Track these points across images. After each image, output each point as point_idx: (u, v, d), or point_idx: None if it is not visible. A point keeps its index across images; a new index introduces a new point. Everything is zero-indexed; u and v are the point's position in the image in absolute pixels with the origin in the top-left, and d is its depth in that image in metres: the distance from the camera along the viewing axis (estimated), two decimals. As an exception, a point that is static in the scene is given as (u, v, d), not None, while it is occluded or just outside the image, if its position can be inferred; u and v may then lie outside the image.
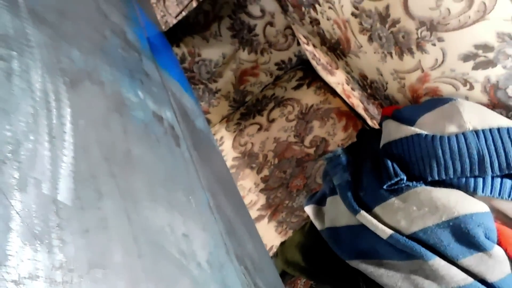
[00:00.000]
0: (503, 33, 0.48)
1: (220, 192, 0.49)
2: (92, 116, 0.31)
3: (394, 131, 0.56)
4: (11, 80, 0.27)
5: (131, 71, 0.44)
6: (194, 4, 2.66)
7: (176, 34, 1.16)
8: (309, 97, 1.19)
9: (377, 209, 0.53)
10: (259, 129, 1.21)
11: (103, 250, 0.23)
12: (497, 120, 0.50)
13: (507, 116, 0.53)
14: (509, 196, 0.46)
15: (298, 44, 1.21)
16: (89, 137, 0.29)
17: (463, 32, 0.50)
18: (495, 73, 0.51)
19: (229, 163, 1.20)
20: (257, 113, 1.25)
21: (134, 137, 0.34)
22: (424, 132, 0.53)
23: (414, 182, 0.51)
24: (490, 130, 0.48)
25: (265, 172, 1.12)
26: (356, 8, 0.62)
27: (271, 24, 1.15)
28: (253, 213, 1.06)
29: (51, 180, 0.23)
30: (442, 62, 0.54)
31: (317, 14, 0.78)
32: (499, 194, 0.47)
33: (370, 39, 0.63)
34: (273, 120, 1.20)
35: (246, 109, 1.29)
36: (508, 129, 0.48)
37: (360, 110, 1.04)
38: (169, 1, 2.98)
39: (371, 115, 0.98)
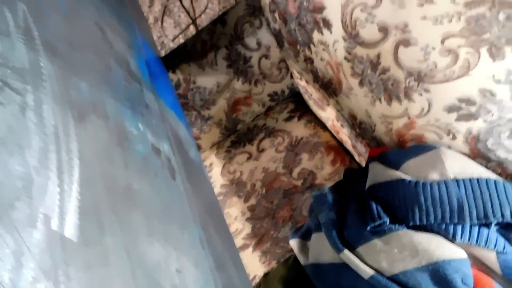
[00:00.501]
0: (485, 89, 0.51)
1: (210, 224, 0.50)
2: (97, 151, 0.32)
3: (380, 174, 0.59)
4: (26, 115, 0.28)
5: (132, 103, 0.46)
6: (192, 28, 2.71)
7: (173, 61, 1.18)
8: (299, 129, 1.22)
9: (360, 249, 0.55)
10: (249, 158, 1.23)
11: (104, 287, 0.24)
12: (477, 171, 0.53)
13: (487, 167, 0.56)
14: (485, 244, 0.49)
15: (291, 77, 1.25)
16: (94, 172, 0.30)
17: (448, 86, 0.54)
18: (477, 125, 0.54)
19: (217, 190, 1.21)
20: (248, 142, 1.27)
21: (134, 171, 0.36)
22: (408, 177, 0.55)
23: (397, 225, 0.53)
24: (470, 180, 0.51)
25: (252, 201, 1.14)
26: (349, 53, 0.65)
27: (266, 56, 1.18)
28: (238, 241, 1.07)
29: (59, 216, 0.24)
30: (428, 111, 0.57)
31: (311, 53, 0.82)
32: (477, 241, 0.49)
33: (361, 83, 0.66)
34: (263, 150, 1.22)
35: (237, 137, 1.31)
36: (487, 180, 0.50)
37: (348, 146, 1.07)
38: (167, 22, 3.03)
39: (358, 152, 1.01)
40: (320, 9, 0.69)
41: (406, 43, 0.56)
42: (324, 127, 1.20)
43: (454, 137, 0.57)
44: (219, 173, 1.25)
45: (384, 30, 0.58)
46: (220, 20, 1.17)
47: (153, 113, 0.52)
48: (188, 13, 2.62)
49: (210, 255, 0.40)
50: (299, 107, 1.28)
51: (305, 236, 0.71)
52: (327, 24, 0.68)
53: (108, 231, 0.27)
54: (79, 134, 0.32)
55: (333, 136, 1.16)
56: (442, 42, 0.53)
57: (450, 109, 0.55)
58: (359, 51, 0.62)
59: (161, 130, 0.49)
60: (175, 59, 1.18)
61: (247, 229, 1.09)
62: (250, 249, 1.06)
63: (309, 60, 0.85)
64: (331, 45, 0.69)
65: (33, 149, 0.26)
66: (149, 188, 0.36)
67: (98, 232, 0.26)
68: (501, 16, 0.50)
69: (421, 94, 0.56)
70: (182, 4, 2.53)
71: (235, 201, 1.17)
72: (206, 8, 2.76)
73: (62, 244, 0.23)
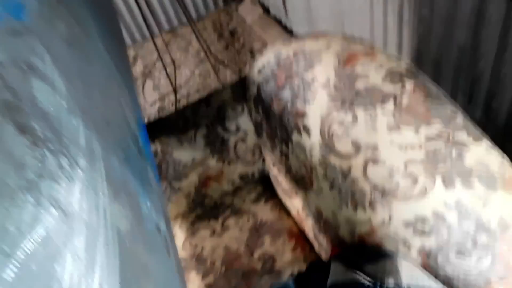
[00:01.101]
0: (438, 212, 0.59)
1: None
2: (126, 228, 0.36)
3: (341, 274, 0.64)
4: (87, 193, 0.32)
5: (142, 181, 0.49)
6: (171, 98, 2.80)
7: (153, 131, 1.24)
8: (265, 212, 1.26)
9: None
10: (212, 234, 1.25)
11: None
12: (427, 282, 0.59)
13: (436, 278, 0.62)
14: None
15: (263, 162, 1.32)
16: (126, 250, 0.33)
17: (408, 204, 0.61)
18: (429, 243, 0.61)
19: (176, 262, 1.21)
20: (213, 218, 1.30)
21: (148, 249, 0.39)
22: (366, 280, 0.61)
23: (354, 326, 0.58)
24: (420, 291, 0.57)
25: (210, 279, 1.14)
26: (324, 159, 0.73)
27: (243, 140, 1.26)
28: (192, 320, 1.06)
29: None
30: (388, 223, 0.64)
31: (288, 150, 0.89)
32: None
33: (331, 187, 0.73)
34: (227, 228, 1.25)
35: (203, 211, 1.34)
36: (435, 293, 0.57)
37: (310, 235, 1.12)
38: (146, 83, 3.12)
39: (319, 243, 1.06)
40: (302, 115, 0.77)
41: (375, 161, 0.64)
42: (288, 213, 1.25)
43: (409, 249, 0.63)
44: (181, 245, 1.26)
45: (357, 146, 0.66)
46: (205, 100, 1.25)
47: (154, 190, 0.56)
48: (169, 78, 2.72)
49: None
50: (267, 190, 1.34)
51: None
52: (307, 130, 0.76)
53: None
54: (114, 212, 0.35)
55: (296, 223, 1.22)
56: (405, 166, 0.61)
57: (408, 225, 0.62)
58: (333, 159, 0.70)
59: (160, 209, 0.53)
60: (156, 130, 1.24)
61: (203, 308, 1.09)
62: (203, 329, 1.05)
63: (284, 155, 0.93)
64: (308, 148, 0.77)
65: (95, 223, 0.30)
66: (157, 267, 0.39)
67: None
68: (454, 152, 0.60)
69: (383, 207, 0.64)
70: (165, 70, 2.63)
71: (193, 277, 1.17)
72: (189, 80, 2.88)
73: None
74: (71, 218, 0.26)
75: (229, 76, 2.86)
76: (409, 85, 0.67)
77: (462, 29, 1.10)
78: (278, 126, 0.89)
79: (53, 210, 0.24)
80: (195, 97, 2.80)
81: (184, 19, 3.43)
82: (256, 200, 1.32)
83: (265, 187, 1.35)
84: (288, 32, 2.81)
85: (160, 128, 1.24)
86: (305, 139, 0.78)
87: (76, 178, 0.30)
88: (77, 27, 0.47)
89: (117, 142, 0.44)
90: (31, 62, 0.29)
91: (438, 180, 0.59)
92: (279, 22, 2.94)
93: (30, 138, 0.25)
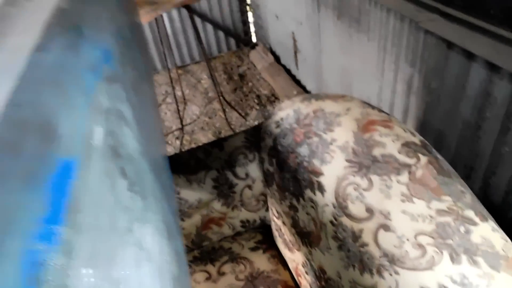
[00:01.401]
0: (443, 285, 0.62)
1: None
2: (177, 274, 0.38)
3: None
4: (157, 235, 0.34)
5: (176, 222, 0.51)
6: (175, 132, 2.85)
7: (165, 168, 1.27)
8: (262, 262, 1.27)
9: None
10: (207, 279, 1.25)
11: None
12: None
13: None
14: None
15: (266, 210, 1.34)
16: None
17: (415, 274, 0.64)
18: (432, 314, 0.63)
19: (169, 302, 1.20)
20: (210, 262, 1.30)
21: None
22: None
23: None
24: None
25: (201, 324, 1.13)
26: (335, 219, 0.76)
27: (249, 187, 1.29)
28: None
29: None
30: (394, 290, 0.66)
31: (298, 204, 0.92)
32: None
33: (340, 248, 0.76)
34: (223, 274, 1.26)
35: (200, 253, 1.34)
36: None
37: (306, 291, 1.13)
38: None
39: (315, 300, 1.06)
40: (318, 173, 0.81)
41: (386, 228, 0.67)
42: (286, 265, 1.26)
43: (412, 319, 0.65)
44: None
45: (370, 211, 0.69)
46: (218, 144, 1.29)
47: (180, 231, 0.57)
48: (178, 113, 2.77)
49: None
50: (266, 239, 1.35)
51: None
52: (321, 188, 0.80)
53: None
54: (171, 256, 0.37)
55: (292, 277, 1.22)
56: (415, 236, 0.64)
57: (413, 294, 0.64)
58: (345, 221, 0.73)
59: (183, 250, 0.55)
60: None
61: None
62: None
63: (293, 208, 0.96)
64: (320, 206, 0.80)
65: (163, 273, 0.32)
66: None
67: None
68: (462, 228, 0.63)
69: (391, 274, 0.66)
70: (177, 105, 2.69)
71: (183, 319, 1.16)
72: (197, 117, 2.94)
73: None
74: (151, 260, 0.29)
75: (234, 118, 2.93)
76: (423, 159, 0.71)
77: (468, 105, 1.17)
78: (291, 179, 0.93)
79: (156, 254, 0.27)
80: (199, 134, 2.85)
81: (196, 57, 3.55)
82: (255, 248, 1.33)
83: (264, 236, 1.36)
84: (296, 82, 2.91)
85: (172, 166, 1.27)
86: (318, 197, 0.81)
87: (151, 220, 0.32)
88: (136, 71, 0.51)
89: (164, 183, 0.47)
90: (120, 108, 0.32)
91: (446, 254, 0.62)
92: (288, 71, 3.05)
93: (128, 182, 0.28)
